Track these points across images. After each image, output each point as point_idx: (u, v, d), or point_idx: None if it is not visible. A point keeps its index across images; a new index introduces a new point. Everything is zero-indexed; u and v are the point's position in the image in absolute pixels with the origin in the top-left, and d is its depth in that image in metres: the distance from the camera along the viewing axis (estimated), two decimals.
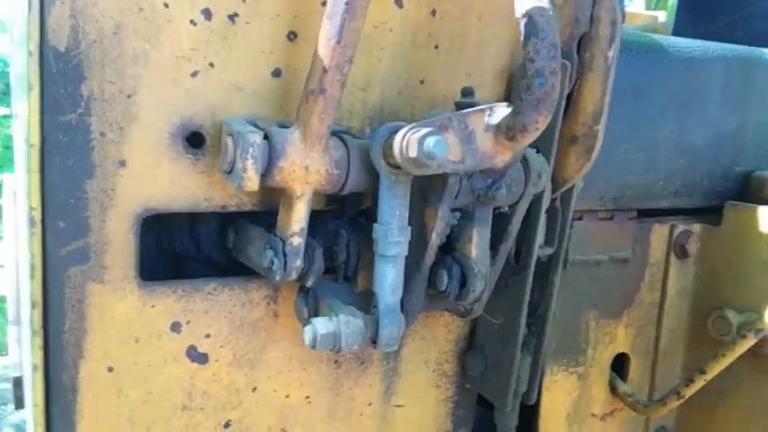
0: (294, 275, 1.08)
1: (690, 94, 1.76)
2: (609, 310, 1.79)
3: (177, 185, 1.08)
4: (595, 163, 1.59)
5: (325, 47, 0.94)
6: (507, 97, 1.32)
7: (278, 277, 1.06)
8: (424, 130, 0.92)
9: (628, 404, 1.84)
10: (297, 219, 1.04)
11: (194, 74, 1.05)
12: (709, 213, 1.86)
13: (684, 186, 1.81)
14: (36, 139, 0.97)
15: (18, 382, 2.07)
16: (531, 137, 0.93)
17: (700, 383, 1.71)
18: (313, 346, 1.02)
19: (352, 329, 1.01)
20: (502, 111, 0.96)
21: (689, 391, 1.72)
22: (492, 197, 1.03)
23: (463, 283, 1.10)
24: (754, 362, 1.73)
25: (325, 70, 0.92)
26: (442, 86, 1.25)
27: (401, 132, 0.96)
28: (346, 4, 0.90)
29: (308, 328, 1.03)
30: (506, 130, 0.94)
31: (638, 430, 1.96)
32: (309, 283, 1.11)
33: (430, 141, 0.91)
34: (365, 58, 1.17)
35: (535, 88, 0.91)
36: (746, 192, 1.89)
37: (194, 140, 1.08)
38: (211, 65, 1.06)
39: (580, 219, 1.68)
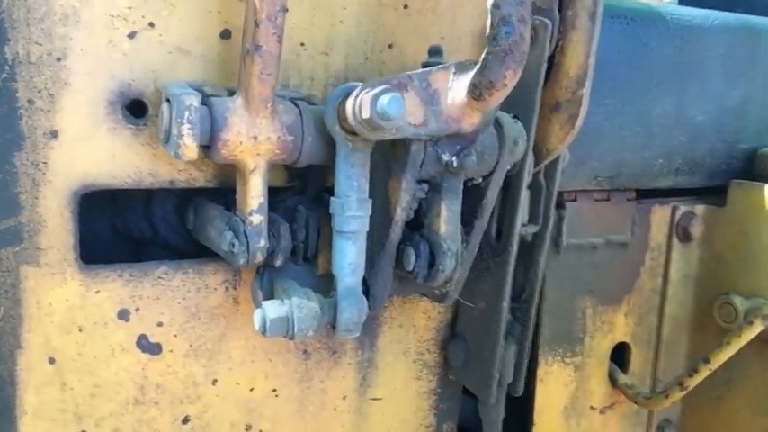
0: (260, 257, 0.98)
1: (689, 66, 1.65)
2: (607, 296, 1.69)
3: (118, 159, 0.99)
4: (588, 139, 1.48)
5: None
6: None
7: (242, 260, 0.96)
8: (379, 88, 0.82)
9: (629, 396, 1.73)
10: (254, 194, 0.95)
11: (132, 35, 0.96)
12: (713, 193, 1.75)
13: (686, 165, 1.71)
14: None
15: None
16: (500, 94, 0.83)
17: (704, 373, 1.60)
18: (263, 332, 0.93)
19: (305, 313, 0.91)
20: (470, 69, 0.86)
21: (693, 382, 1.62)
22: (461, 165, 0.93)
23: (432, 262, 1.00)
24: (762, 349, 1.62)
25: (256, 24, 0.83)
26: (412, 51, 1.15)
27: (354, 92, 0.86)
28: None
29: (257, 312, 0.93)
30: (472, 89, 0.84)
31: (641, 424, 1.85)
32: (278, 264, 1.02)
33: (384, 100, 0.81)
34: (326, 18, 1.07)
35: (501, 38, 0.81)
36: (752, 170, 1.78)
37: (135, 109, 0.99)
38: (151, 24, 0.96)
39: (574, 200, 1.58)
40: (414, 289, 1.14)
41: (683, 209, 1.74)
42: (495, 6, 0.81)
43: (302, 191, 1.10)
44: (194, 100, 0.87)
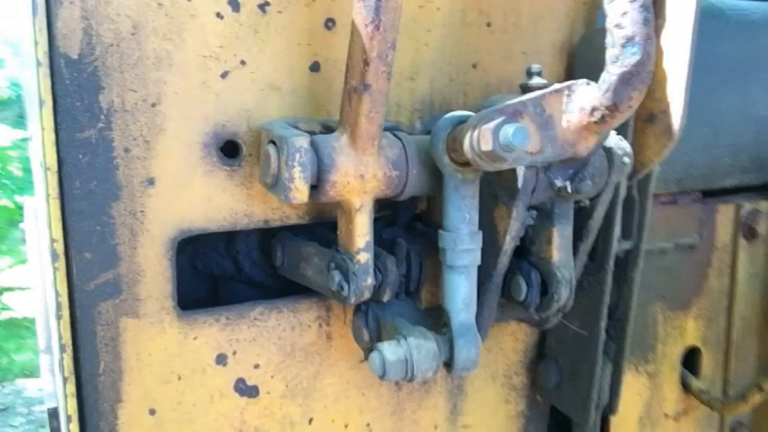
0: (368, 295, 0.95)
1: (752, 62, 1.61)
2: (677, 301, 1.65)
3: (214, 202, 0.96)
4: None
5: (361, 35, 0.80)
6: (568, 76, 1.18)
7: (352, 300, 0.93)
8: (499, 119, 0.79)
9: (703, 402, 1.70)
10: (360, 233, 0.91)
11: (224, 74, 0.92)
12: None
13: (752, 162, 1.67)
14: (53, 161, 0.84)
15: (54, 414, 1.99)
16: (623, 117, 0.80)
17: None
18: (381, 376, 0.89)
19: (424, 354, 0.88)
20: (583, 89, 0.83)
21: None
22: (576, 190, 0.89)
23: (544, 290, 0.96)
24: None
25: (366, 63, 0.79)
26: (496, 69, 1.11)
27: (470, 123, 0.82)
28: None
29: (374, 356, 0.89)
30: (591, 112, 0.80)
31: (713, 427, 1.82)
32: (386, 299, 0.98)
33: (508, 131, 0.77)
34: (411, 43, 1.04)
35: (626, 59, 0.77)
36: None
37: (229, 150, 0.95)
38: (243, 63, 0.93)
39: None
40: (513, 316, 1.10)
41: (747, 206, 1.70)
42: (618, 26, 0.77)
43: (393, 220, 1.07)
44: (304, 142, 0.83)
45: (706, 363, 1.74)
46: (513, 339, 1.29)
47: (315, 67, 0.97)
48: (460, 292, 0.91)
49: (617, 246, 1.15)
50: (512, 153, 0.79)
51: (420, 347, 0.88)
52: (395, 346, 0.89)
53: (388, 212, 1.08)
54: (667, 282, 1.62)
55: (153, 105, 0.89)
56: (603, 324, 1.17)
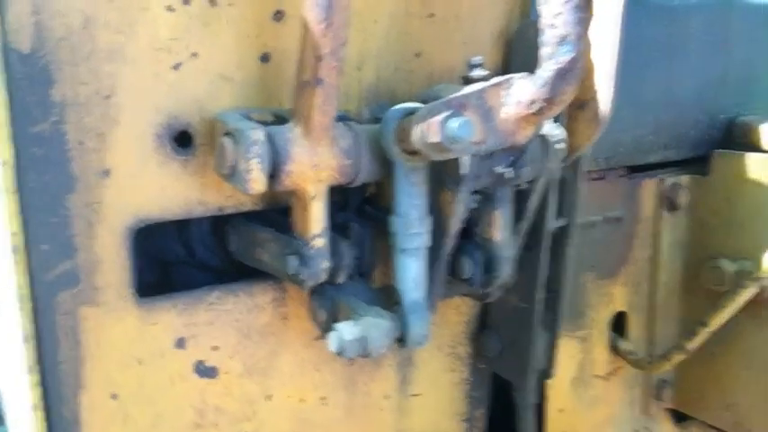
0: (323, 277, 1.00)
1: (673, 45, 1.72)
2: (605, 270, 1.77)
3: (168, 191, 0.98)
4: None
5: (314, 32, 0.84)
6: (505, 64, 1.24)
7: (309, 283, 0.97)
8: (446, 112, 0.84)
9: (631, 362, 1.83)
10: (316, 220, 0.96)
11: (176, 66, 0.94)
12: (697, 164, 1.84)
13: (672, 139, 1.78)
14: (8, 156, 0.85)
15: None
16: (558, 109, 0.86)
17: (703, 336, 1.71)
18: (340, 353, 0.95)
19: (380, 332, 0.94)
20: (521, 83, 0.89)
21: (692, 345, 1.72)
22: (516, 176, 0.96)
23: (488, 268, 1.03)
24: (752, 309, 1.73)
25: (318, 59, 0.83)
26: (438, 58, 1.17)
27: (419, 116, 0.88)
28: None
29: (332, 335, 0.95)
30: (529, 104, 0.86)
31: (640, 385, 1.96)
32: (341, 281, 1.03)
33: (454, 124, 0.83)
34: (359, 34, 1.08)
35: (561, 57, 0.83)
36: (731, 139, 1.88)
37: (182, 140, 0.98)
38: (194, 54, 0.95)
39: None
40: (458, 292, 1.17)
41: (669, 180, 1.82)
42: (552, 26, 0.83)
43: (344, 204, 1.11)
44: (260, 134, 0.87)
45: (632, 326, 1.87)
46: (458, 313, 1.37)
47: (265, 58, 1.00)
48: (411, 273, 0.97)
49: (552, 223, 1.23)
50: (457, 144, 0.84)
51: (375, 326, 0.94)
52: (351, 326, 0.95)
53: (339, 197, 1.12)
54: (597, 253, 1.72)
55: (106, 98, 0.90)
56: (540, 296, 1.25)
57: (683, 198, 1.87)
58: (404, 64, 1.14)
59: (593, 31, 1.17)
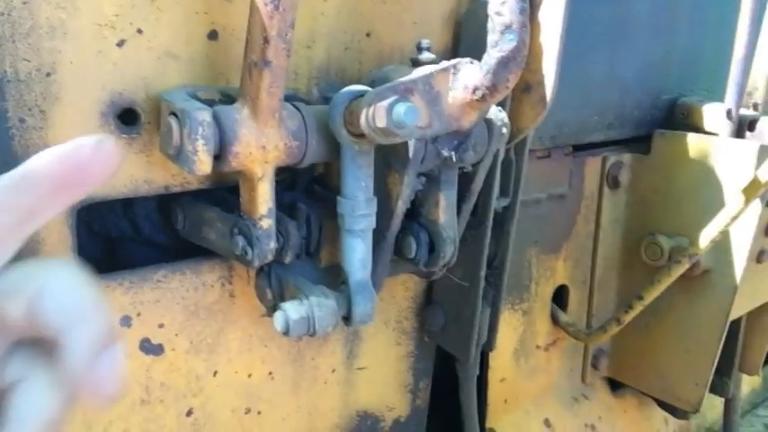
0: (270, 257, 1.00)
1: (619, 27, 1.76)
2: (549, 245, 1.82)
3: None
4: None
5: (261, 13, 0.83)
6: (455, 44, 1.25)
7: (256, 263, 0.98)
8: (392, 98, 0.85)
9: (570, 333, 1.91)
10: (263, 200, 0.96)
11: (121, 43, 0.92)
12: (639, 143, 1.90)
13: (616, 119, 1.84)
14: None
15: None
16: (502, 96, 0.88)
17: (638, 309, 1.78)
18: (285, 333, 0.96)
19: (325, 311, 0.96)
20: (468, 69, 0.90)
21: (628, 317, 1.80)
22: (460, 159, 0.98)
23: (432, 248, 1.06)
24: (685, 283, 1.81)
25: (266, 41, 0.82)
26: (388, 38, 1.17)
27: (365, 100, 0.88)
28: None
29: (278, 315, 0.96)
30: (474, 91, 0.88)
31: (579, 355, 2.05)
32: (288, 260, 1.04)
33: (400, 109, 0.84)
34: (308, 12, 1.07)
35: (504, 45, 0.85)
36: (673, 119, 1.94)
37: (127, 118, 0.96)
38: (139, 31, 0.93)
39: None
40: (403, 270, 1.20)
41: (612, 158, 1.88)
42: (498, 14, 0.85)
43: (292, 184, 1.12)
44: (206, 115, 0.86)
45: (573, 299, 1.95)
46: (404, 288, 1.40)
47: (213, 36, 0.99)
48: (357, 254, 0.99)
49: (495, 202, 1.27)
50: (403, 129, 0.86)
51: (321, 305, 0.96)
52: (297, 305, 0.96)
53: (287, 176, 1.13)
54: (541, 228, 1.78)
55: (48, 75, 0.88)
56: (483, 273, 1.29)
57: (624, 176, 1.94)
58: (354, 43, 1.14)
59: (542, 16, 1.19)
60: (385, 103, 0.85)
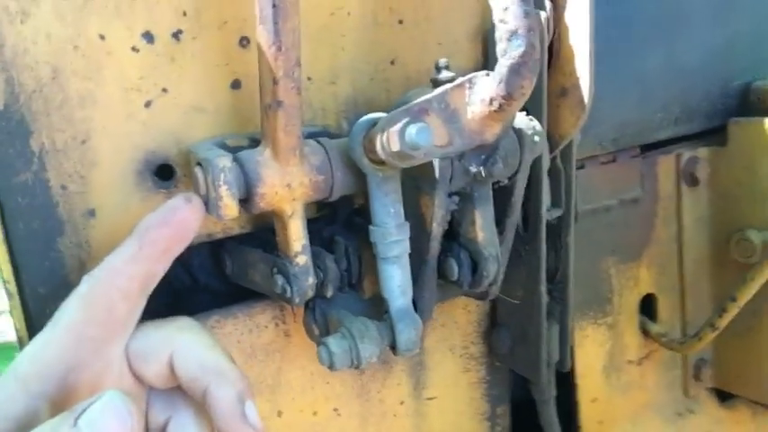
0: (311, 293, 1.01)
1: (674, 16, 1.67)
2: (628, 253, 1.73)
3: None
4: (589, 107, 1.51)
5: (267, 56, 0.86)
6: (486, 61, 1.23)
7: (297, 300, 0.99)
8: (403, 120, 0.84)
9: (663, 344, 1.79)
10: (296, 238, 0.97)
11: (148, 104, 0.97)
12: (714, 135, 1.79)
13: (683, 112, 1.74)
14: None
15: None
16: (519, 104, 0.85)
17: (733, 311, 1.66)
18: (330, 367, 0.96)
19: (367, 341, 0.95)
20: (483, 81, 0.88)
21: (723, 321, 1.67)
22: (489, 174, 0.95)
23: (475, 268, 1.03)
24: None
25: (275, 81, 0.84)
26: (413, 63, 1.17)
27: (379, 126, 0.88)
28: (273, 6, 0.81)
29: (321, 350, 0.96)
30: (490, 102, 0.86)
31: (677, 367, 1.92)
32: (329, 294, 1.05)
33: (412, 131, 0.83)
34: (328, 49, 1.09)
35: (513, 51, 0.83)
36: (747, 105, 1.82)
37: (163, 173, 1.00)
38: (164, 90, 0.98)
39: (582, 167, 1.61)
40: (455, 293, 1.17)
41: (686, 155, 1.78)
42: (502, 21, 0.83)
43: (333, 218, 1.13)
44: (226, 161, 0.89)
45: (662, 308, 1.83)
46: (466, 312, 1.37)
47: (236, 85, 1.02)
48: (395, 281, 0.98)
49: (547, 214, 1.22)
50: (419, 150, 0.84)
51: (362, 336, 0.95)
52: (339, 338, 0.96)
53: (328, 211, 1.14)
54: (615, 236, 1.69)
55: (83, 142, 0.94)
56: (543, 288, 1.24)
57: (702, 172, 1.82)
58: (379, 73, 1.14)
59: (568, 17, 1.15)
60: (396, 127, 0.85)
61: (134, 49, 0.95)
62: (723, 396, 1.97)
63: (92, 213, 0.97)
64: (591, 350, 1.71)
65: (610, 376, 1.77)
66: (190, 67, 0.99)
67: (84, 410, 0.62)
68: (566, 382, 1.69)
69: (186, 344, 0.75)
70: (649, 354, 1.84)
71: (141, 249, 0.78)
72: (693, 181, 1.82)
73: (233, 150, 0.95)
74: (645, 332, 1.81)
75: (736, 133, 1.75)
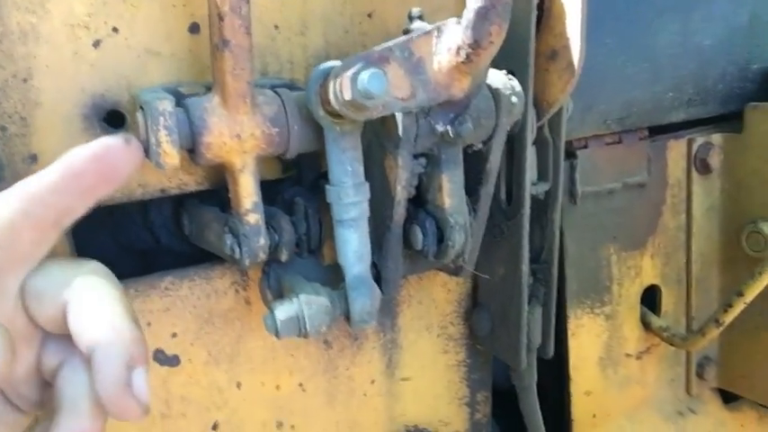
0: (263, 255, 0.95)
1: None
2: (630, 240, 1.64)
3: None
4: (591, 82, 1.42)
5: None
6: None
7: (246, 262, 0.92)
8: (357, 66, 0.77)
9: (664, 339, 1.70)
10: (246, 194, 0.91)
11: (96, 43, 0.91)
12: (729, 121, 1.68)
13: (697, 94, 1.63)
14: None
15: None
16: (488, 53, 0.77)
17: (739, 307, 1.55)
18: (276, 335, 0.89)
19: (315, 310, 0.88)
20: (452, 29, 0.80)
21: (728, 317, 1.57)
22: (457, 134, 0.87)
23: (440, 238, 0.95)
24: None
25: (220, 18, 0.77)
26: (394, 17, 1.09)
27: (334, 73, 0.81)
28: None
29: (267, 316, 0.90)
30: (458, 51, 0.78)
31: (680, 364, 1.82)
32: (284, 258, 0.98)
33: (364, 77, 0.75)
34: None
35: None
36: (767, 90, 1.70)
37: (113, 120, 0.94)
38: (115, 30, 0.91)
39: (585, 147, 1.52)
40: (427, 266, 1.10)
41: (699, 140, 1.67)
42: None
43: (298, 180, 1.06)
44: (167, 104, 0.82)
45: (666, 300, 1.74)
46: (445, 291, 1.29)
47: (194, 29, 0.95)
48: (351, 246, 0.90)
49: (533, 188, 1.14)
50: (373, 100, 0.77)
51: (310, 303, 0.88)
52: (286, 305, 0.89)
53: (294, 172, 1.07)
54: (619, 222, 1.60)
55: (24, 81, 0.88)
56: (525, 267, 1.16)
57: (715, 159, 1.71)
58: (354, 26, 1.07)
59: None
60: (350, 72, 0.77)
61: None
62: (727, 397, 1.87)
63: (33, 159, 0.91)
64: (586, 340, 1.63)
65: (606, 369, 1.68)
66: (143, 6, 0.92)
67: None
68: (560, 373, 1.61)
69: (84, 290, 0.68)
70: (650, 348, 1.75)
71: (63, 179, 0.70)
72: (706, 168, 1.71)
73: (186, 98, 0.89)
74: (646, 325, 1.72)
75: (754, 119, 1.64)
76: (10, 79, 0.88)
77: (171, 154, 0.82)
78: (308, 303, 0.88)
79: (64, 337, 0.69)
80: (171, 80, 0.95)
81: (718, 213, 1.73)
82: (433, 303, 1.28)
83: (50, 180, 0.70)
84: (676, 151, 1.67)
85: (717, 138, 1.68)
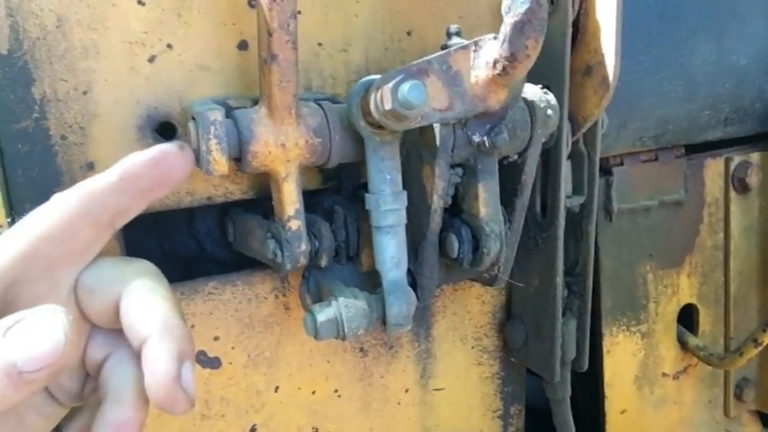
0: (303, 260, 0.98)
1: (725, 10, 1.57)
2: (667, 259, 1.63)
3: None
4: (627, 99, 1.44)
5: (262, 6, 0.84)
6: None
7: (288, 266, 0.96)
8: (398, 78, 0.81)
9: (701, 359, 1.68)
10: (289, 201, 0.95)
11: (152, 58, 0.96)
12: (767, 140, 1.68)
13: (734, 112, 1.63)
14: None
15: None
16: (524, 66, 0.80)
17: None
18: (315, 336, 0.93)
19: (353, 312, 0.91)
20: (489, 44, 0.84)
21: (767, 337, 1.55)
22: (493, 144, 0.90)
23: (476, 246, 0.98)
24: None
25: (269, 33, 0.82)
26: (432, 35, 1.13)
27: (375, 85, 0.85)
28: None
29: (306, 317, 0.93)
30: (494, 65, 0.81)
31: (718, 385, 1.80)
32: (323, 264, 1.02)
33: (404, 88, 0.79)
34: (340, 14, 1.06)
35: (517, 8, 0.78)
36: None
37: (165, 131, 1.00)
38: (169, 46, 0.97)
39: (621, 164, 1.53)
40: (462, 275, 1.12)
41: (737, 159, 1.67)
42: None
43: (338, 190, 1.10)
44: (218, 114, 0.87)
45: (704, 320, 1.72)
46: (480, 302, 1.31)
47: (243, 46, 1.01)
48: (389, 252, 0.94)
49: (566, 201, 1.15)
50: (412, 110, 0.80)
51: (349, 306, 0.91)
52: (325, 307, 0.92)
53: (334, 183, 1.11)
54: (655, 240, 1.60)
55: (84, 93, 0.94)
56: (560, 279, 1.17)
57: (754, 178, 1.71)
58: (394, 43, 1.11)
59: None
60: (390, 83, 0.81)
61: (140, 2, 0.94)
62: (766, 420, 1.83)
63: (90, 166, 0.97)
64: (622, 358, 1.62)
65: (642, 388, 1.67)
66: (196, 24, 0.98)
67: (18, 322, 0.59)
68: (595, 392, 1.61)
69: (137, 287, 0.71)
70: (687, 368, 1.73)
71: (122, 181, 0.75)
72: (744, 187, 1.71)
73: (234, 110, 0.93)
74: (683, 344, 1.70)
75: None
76: (71, 92, 0.94)
77: (220, 161, 0.87)
78: (346, 306, 0.91)
79: (111, 331, 0.73)
80: (220, 94, 1.01)
81: (756, 233, 1.72)
82: (468, 315, 1.30)
83: (110, 181, 0.74)
84: (714, 170, 1.67)
85: (755, 156, 1.68)
